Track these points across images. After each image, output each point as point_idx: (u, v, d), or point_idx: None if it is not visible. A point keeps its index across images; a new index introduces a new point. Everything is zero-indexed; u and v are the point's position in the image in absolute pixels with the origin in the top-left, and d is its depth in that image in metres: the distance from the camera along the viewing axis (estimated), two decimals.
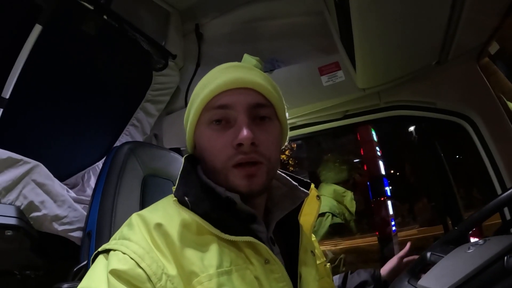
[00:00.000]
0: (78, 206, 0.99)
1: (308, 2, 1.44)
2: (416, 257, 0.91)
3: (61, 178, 1.32)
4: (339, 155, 2.05)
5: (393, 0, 0.80)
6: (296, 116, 1.34)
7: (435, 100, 1.20)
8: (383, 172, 3.02)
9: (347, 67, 1.22)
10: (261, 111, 0.59)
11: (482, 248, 0.68)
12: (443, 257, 0.76)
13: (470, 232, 0.88)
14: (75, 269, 0.82)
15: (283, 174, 0.68)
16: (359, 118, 1.33)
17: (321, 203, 0.73)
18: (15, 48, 1.06)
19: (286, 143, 0.71)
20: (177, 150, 1.57)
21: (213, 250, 0.53)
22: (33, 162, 0.92)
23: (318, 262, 0.72)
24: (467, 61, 1.16)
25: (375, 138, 3.12)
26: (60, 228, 0.91)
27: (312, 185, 0.69)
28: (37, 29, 1.07)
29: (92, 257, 0.57)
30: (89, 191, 1.39)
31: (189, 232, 0.54)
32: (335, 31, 1.24)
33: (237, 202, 0.56)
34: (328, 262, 0.84)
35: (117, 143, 1.48)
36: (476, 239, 1.34)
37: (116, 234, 0.56)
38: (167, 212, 0.57)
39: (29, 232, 0.85)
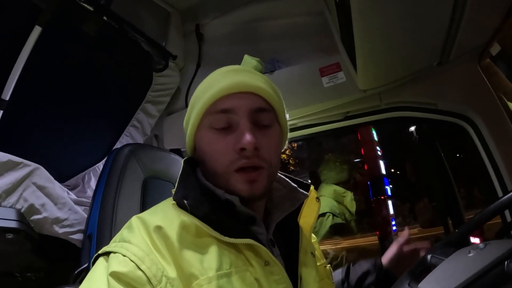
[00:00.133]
0: (79, 209, 0.99)
1: (308, 2, 1.43)
2: (419, 244, 0.90)
3: (62, 179, 1.32)
4: (339, 155, 2.05)
5: (394, 1, 0.79)
6: (297, 118, 1.33)
7: (436, 101, 1.19)
8: (383, 171, 3.03)
9: (348, 68, 1.22)
10: (263, 115, 0.59)
11: (482, 252, 0.67)
12: (443, 259, 0.76)
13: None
14: (76, 272, 0.82)
15: (282, 176, 0.68)
16: (360, 119, 1.32)
17: (322, 203, 0.73)
18: (15, 49, 1.05)
19: (286, 144, 0.71)
20: (178, 151, 1.57)
21: (213, 253, 0.53)
22: (34, 165, 0.92)
23: (318, 263, 0.72)
24: (468, 62, 1.15)
25: (375, 138, 3.12)
26: (61, 230, 0.91)
27: (312, 187, 0.69)
28: (36, 30, 1.06)
29: (92, 260, 0.57)
30: (90, 192, 1.39)
31: (188, 235, 0.54)
32: (335, 32, 1.24)
33: (236, 204, 0.56)
34: (330, 261, 0.84)
35: (118, 144, 1.48)
36: (477, 239, 1.34)
37: (116, 237, 0.56)
38: (167, 215, 0.57)
39: (29, 234, 0.85)
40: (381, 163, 3.14)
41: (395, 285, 0.81)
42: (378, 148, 3.17)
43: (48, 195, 0.92)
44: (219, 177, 0.57)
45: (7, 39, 1.05)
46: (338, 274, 0.92)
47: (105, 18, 1.19)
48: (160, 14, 1.57)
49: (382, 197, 2.83)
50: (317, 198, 0.70)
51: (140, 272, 0.49)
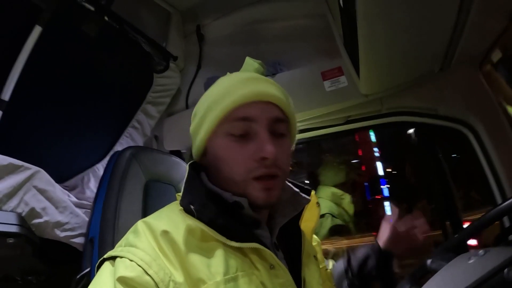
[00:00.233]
0: (80, 212, 0.98)
1: (310, 4, 1.42)
2: (413, 219, 0.91)
3: (61, 180, 1.31)
4: (338, 156, 2.06)
5: (400, 7, 0.79)
6: (299, 121, 1.33)
7: (437, 106, 1.20)
8: (381, 173, 3.05)
9: (350, 73, 1.22)
10: (279, 125, 0.60)
11: (483, 259, 0.68)
12: (443, 265, 0.77)
13: None
14: (77, 277, 0.81)
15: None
16: (361, 124, 1.33)
17: (320, 205, 0.75)
18: (14, 49, 1.04)
19: None
20: (178, 153, 1.57)
21: (219, 257, 0.53)
22: (34, 168, 0.91)
23: (320, 266, 0.73)
24: (469, 68, 1.16)
25: (373, 139, 3.14)
26: (62, 234, 0.91)
27: (313, 192, 0.70)
28: (37, 30, 1.05)
29: (97, 264, 0.57)
30: (89, 193, 1.39)
31: (194, 239, 0.55)
32: (338, 36, 1.24)
33: (245, 206, 0.57)
34: (331, 256, 0.85)
35: (118, 145, 1.47)
36: (474, 241, 1.35)
37: (122, 241, 0.56)
38: (172, 220, 0.57)
39: (30, 238, 0.84)
40: (379, 164, 3.16)
41: None
42: (376, 149, 3.19)
43: (49, 198, 0.91)
44: (235, 184, 0.58)
45: (7, 39, 1.04)
46: (340, 264, 0.93)
47: (106, 18, 1.19)
48: (161, 15, 1.55)
49: (379, 197, 2.85)
50: (317, 203, 0.72)
51: (147, 277, 0.49)
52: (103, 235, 0.87)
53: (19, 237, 0.81)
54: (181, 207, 0.56)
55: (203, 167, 0.65)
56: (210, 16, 1.63)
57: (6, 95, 1.05)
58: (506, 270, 0.59)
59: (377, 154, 3.16)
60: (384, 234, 0.92)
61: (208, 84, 1.49)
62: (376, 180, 2.94)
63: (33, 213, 0.86)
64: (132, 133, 1.50)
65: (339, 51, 1.28)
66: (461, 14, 0.88)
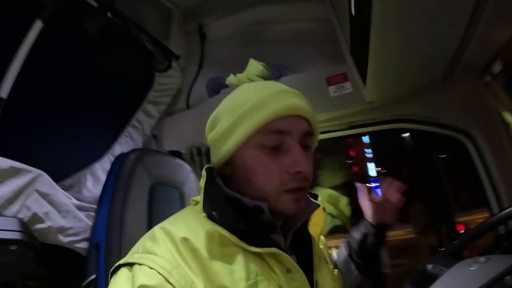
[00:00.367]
0: (83, 216, 0.96)
1: (316, 8, 1.42)
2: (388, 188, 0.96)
3: (57, 179, 1.27)
4: (336, 157, 2.08)
5: (415, 19, 0.80)
6: None
7: (438, 115, 1.22)
8: (374, 174, 3.10)
9: (355, 79, 1.23)
10: (308, 138, 0.61)
11: (485, 266, 0.71)
12: (445, 270, 0.79)
13: None
14: (83, 284, 0.79)
15: None
16: (364, 129, 1.34)
17: None
18: (13, 44, 0.99)
19: None
20: (177, 153, 1.55)
21: (240, 263, 0.54)
22: (36, 171, 0.88)
23: None
24: (471, 79, 1.18)
25: (366, 141, 3.18)
26: (66, 240, 0.88)
27: (320, 197, 0.71)
28: (37, 25, 1.01)
29: (112, 270, 0.56)
30: (86, 193, 1.35)
31: (215, 245, 0.55)
32: (344, 42, 1.24)
33: (265, 210, 0.57)
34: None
35: (117, 144, 1.44)
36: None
37: (138, 247, 0.55)
38: (190, 225, 0.57)
39: (33, 244, 0.81)
40: (372, 165, 3.21)
41: None
42: (368, 150, 3.23)
43: (51, 202, 0.88)
44: (266, 195, 0.58)
45: (6, 33, 0.99)
46: (343, 251, 0.97)
47: (109, 15, 1.15)
48: (162, 12, 1.52)
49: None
50: (324, 208, 0.73)
51: (169, 286, 0.48)
52: (109, 241, 0.85)
53: (21, 243, 0.78)
54: (204, 213, 0.56)
55: (218, 173, 0.64)
56: (212, 15, 1.61)
57: (4, 92, 1.00)
58: (508, 277, 0.62)
59: (370, 156, 3.21)
60: (367, 211, 0.97)
61: (210, 85, 1.47)
62: (369, 181, 2.99)
63: (36, 218, 0.83)
64: (131, 132, 1.47)
65: (343, 57, 1.28)
66: (471, 25, 0.89)
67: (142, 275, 0.49)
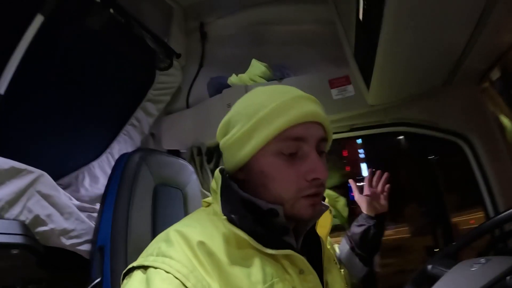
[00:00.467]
0: (85, 218, 0.93)
1: (319, 10, 1.43)
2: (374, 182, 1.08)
3: (54, 178, 1.23)
4: (334, 158, 2.09)
5: (423, 27, 0.81)
6: None
7: (437, 119, 1.25)
8: (365, 174, 3.14)
9: (358, 82, 1.24)
10: (322, 144, 0.61)
11: (485, 267, 0.73)
12: (445, 271, 0.81)
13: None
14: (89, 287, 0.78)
15: None
16: (364, 132, 1.36)
17: None
18: (13, 38, 0.96)
19: None
20: (176, 152, 1.53)
21: (257, 265, 0.54)
22: (37, 172, 0.85)
23: None
24: (470, 85, 1.21)
25: (358, 140, 3.22)
26: (68, 242, 0.86)
27: (326, 199, 0.72)
28: (38, 19, 0.97)
29: (124, 272, 0.55)
30: (83, 192, 1.33)
31: (232, 248, 0.55)
32: (347, 46, 1.25)
33: (280, 214, 0.58)
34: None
35: (115, 143, 1.41)
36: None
37: (152, 250, 0.54)
38: (204, 228, 0.57)
39: (35, 248, 0.79)
40: (363, 165, 3.25)
41: None
42: (361, 150, 3.27)
43: (53, 204, 0.85)
44: (283, 201, 0.58)
45: (6, 26, 0.95)
46: (345, 245, 1.00)
47: (111, 11, 1.12)
48: (163, 9, 1.50)
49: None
50: (330, 210, 0.74)
51: None
52: (114, 243, 0.83)
53: (23, 247, 0.76)
54: (224, 217, 0.56)
55: (231, 177, 0.64)
56: (214, 14, 1.59)
57: (2, 88, 0.97)
58: (508, 277, 0.64)
59: (362, 155, 3.25)
60: (363, 205, 1.04)
61: (212, 84, 1.46)
62: (360, 181, 3.03)
63: (38, 220, 0.81)
64: (130, 131, 1.44)
65: (345, 60, 1.29)
66: (474, 34, 0.91)
67: (159, 279, 0.48)
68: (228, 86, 1.41)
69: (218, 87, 1.43)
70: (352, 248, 0.99)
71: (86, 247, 0.90)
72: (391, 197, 1.05)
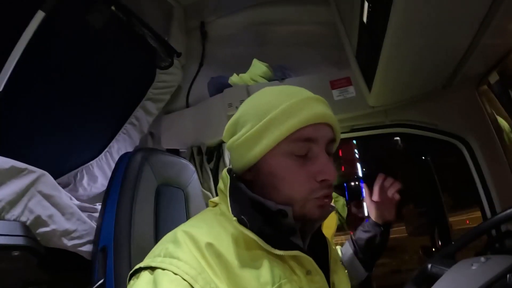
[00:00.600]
0: (86, 218, 0.92)
1: (320, 11, 1.43)
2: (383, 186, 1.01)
3: (52, 177, 1.22)
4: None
5: (428, 31, 0.82)
6: None
7: (437, 121, 1.26)
8: (360, 174, 3.17)
9: (359, 84, 1.25)
10: (331, 145, 0.62)
11: (485, 265, 0.74)
12: (445, 270, 0.82)
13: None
14: None
15: None
16: (364, 133, 1.37)
17: None
18: (13, 34, 0.94)
19: None
20: (176, 151, 1.52)
21: (266, 267, 0.54)
22: (39, 171, 0.83)
23: None
24: (468, 88, 1.23)
25: (353, 141, 3.25)
26: (70, 243, 0.84)
27: (332, 201, 0.73)
28: (39, 15, 0.95)
29: (131, 272, 0.54)
30: (81, 191, 1.31)
31: (240, 249, 0.55)
32: (349, 47, 1.25)
33: (289, 214, 0.58)
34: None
35: (114, 142, 1.40)
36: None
37: (159, 251, 0.54)
38: (212, 228, 0.57)
39: (36, 249, 0.78)
40: (358, 165, 3.28)
41: None
42: (356, 150, 3.30)
43: (55, 204, 0.84)
44: (294, 201, 0.58)
45: (6, 22, 0.93)
46: (348, 248, 1.00)
47: (113, 8, 1.10)
48: (163, 9, 1.48)
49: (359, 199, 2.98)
50: (336, 211, 0.74)
51: None
52: (118, 244, 0.82)
53: (24, 249, 0.74)
54: (234, 218, 0.56)
55: (239, 177, 0.64)
56: (214, 14, 1.58)
57: (0, 85, 0.94)
58: (508, 276, 0.66)
59: (357, 156, 3.28)
60: (372, 212, 1.00)
61: (212, 84, 1.45)
62: (356, 181, 3.06)
63: (39, 221, 0.80)
64: (129, 130, 1.43)
65: (346, 61, 1.30)
66: (476, 37, 0.93)
67: (167, 281, 0.48)
68: (229, 85, 1.41)
69: (219, 86, 1.43)
70: (355, 253, 0.98)
71: (87, 248, 0.89)
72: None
